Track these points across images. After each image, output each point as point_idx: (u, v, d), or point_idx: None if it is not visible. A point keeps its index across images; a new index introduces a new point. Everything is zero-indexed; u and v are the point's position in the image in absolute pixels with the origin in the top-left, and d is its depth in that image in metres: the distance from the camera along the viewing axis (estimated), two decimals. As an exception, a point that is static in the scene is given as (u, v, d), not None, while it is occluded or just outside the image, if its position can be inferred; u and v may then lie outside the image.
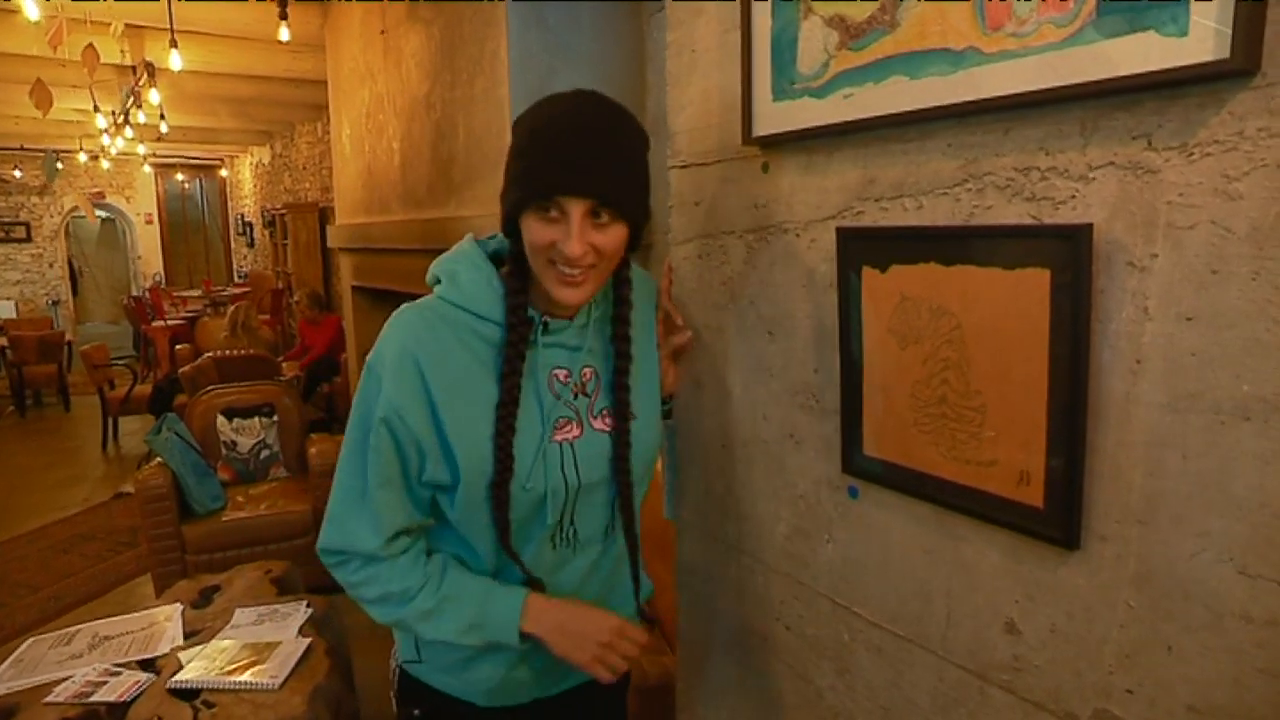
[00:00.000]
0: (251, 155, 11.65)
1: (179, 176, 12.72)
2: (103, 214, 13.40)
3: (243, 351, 5.10)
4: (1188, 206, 0.64)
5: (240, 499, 3.62)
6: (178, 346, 6.93)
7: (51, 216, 12.45)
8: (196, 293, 10.59)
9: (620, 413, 1.05)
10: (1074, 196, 0.71)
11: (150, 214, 13.34)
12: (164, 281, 12.88)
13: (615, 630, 1.02)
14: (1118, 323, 0.68)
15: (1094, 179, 0.69)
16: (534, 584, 1.05)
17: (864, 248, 0.89)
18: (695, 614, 1.32)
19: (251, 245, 12.29)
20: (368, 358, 1.00)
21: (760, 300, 1.09)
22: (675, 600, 2.10)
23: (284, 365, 5.58)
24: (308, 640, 2.32)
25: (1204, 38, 0.60)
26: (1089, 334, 0.70)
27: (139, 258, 13.59)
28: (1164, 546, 0.67)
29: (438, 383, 0.96)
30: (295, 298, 6.97)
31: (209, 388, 4.03)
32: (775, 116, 1.00)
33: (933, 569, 0.88)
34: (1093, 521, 0.72)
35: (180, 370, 4.92)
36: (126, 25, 4.88)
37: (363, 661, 2.71)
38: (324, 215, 8.53)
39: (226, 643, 2.34)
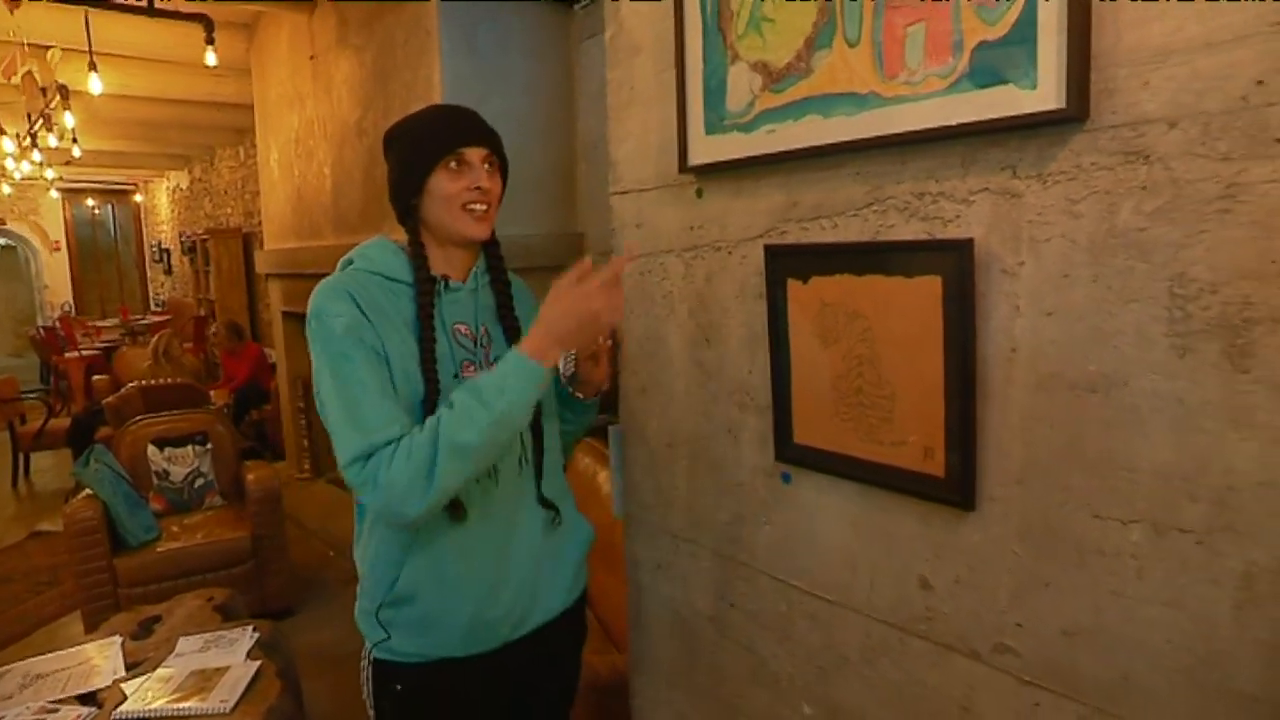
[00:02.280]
0: (168, 180, 11.31)
1: (89, 202, 12.22)
2: (1, 240, 12.77)
3: (169, 380, 4.98)
4: (1044, 224, 0.79)
5: (175, 529, 3.55)
6: (95, 377, 6.68)
7: (-55, 245, 11.80)
8: (112, 322, 10.18)
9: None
10: (959, 216, 0.86)
11: (58, 241, 12.76)
12: (74, 311, 12.32)
13: (579, 297, 1.06)
14: (995, 319, 0.83)
15: (974, 202, 0.84)
16: (456, 509, 1.15)
17: (789, 262, 1.03)
18: (646, 603, 1.43)
19: (169, 272, 11.90)
20: (312, 313, 1.15)
21: (698, 311, 1.22)
22: (622, 603, 2.19)
23: (212, 394, 5.46)
24: (257, 663, 2.32)
25: (1048, 91, 0.75)
26: (974, 329, 0.84)
27: (45, 286, 12.96)
28: (1038, 501, 0.82)
29: (372, 314, 1.14)
30: (213, 329, 6.81)
31: (137, 418, 3.94)
32: (708, 148, 1.13)
33: (857, 538, 1.02)
34: (984, 485, 0.86)
35: (105, 401, 4.77)
36: (35, 45, 4.77)
37: (309, 684, 2.72)
38: (248, 240, 8.37)
39: (171, 670, 2.32)
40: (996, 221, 0.83)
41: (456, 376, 1.18)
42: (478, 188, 1.17)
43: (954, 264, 0.84)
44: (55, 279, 13.00)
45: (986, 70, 0.80)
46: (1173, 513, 0.72)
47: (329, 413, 1.11)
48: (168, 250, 11.85)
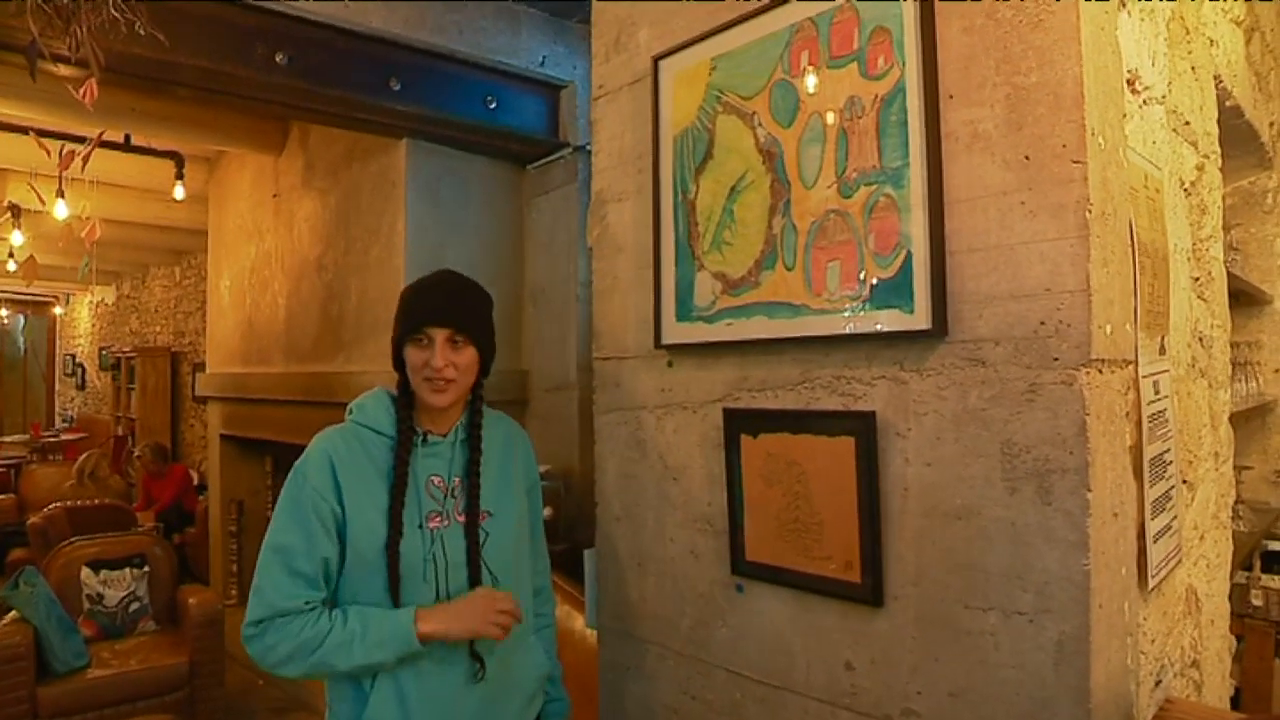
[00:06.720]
0: (92, 294, 11.17)
1: (2, 312, 11.88)
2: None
3: (97, 501, 4.91)
4: (923, 403, 1.16)
5: (106, 655, 3.50)
6: None
7: None
8: (18, 438, 9.73)
9: (471, 509, 1.39)
10: (865, 394, 1.22)
11: (-40, 352, 12.25)
12: (-35, 425, 11.68)
13: (488, 600, 1.34)
14: (893, 468, 1.18)
15: (875, 385, 1.21)
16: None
17: (742, 422, 1.37)
18: (615, 701, 1.66)
19: (82, 387, 11.53)
20: (296, 463, 1.35)
21: (667, 455, 1.54)
22: None
23: (139, 516, 5.37)
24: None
25: (921, 315, 1.14)
26: (878, 475, 1.19)
27: (-64, 399, 12.30)
28: (927, 598, 1.14)
29: (345, 476, 1.33)
30: (137, 451, 6.70)
31: (71, 539, 3.91)
32: (678, 332, 1.48)
33: (795, 633, 1.31)
34: (889, 587, 1.19)
35: (29, 521, 4.66)
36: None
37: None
38: (176, 360, 8.34)
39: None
40: (891, 399, 1.19)
41: (421, 527, 1.35)
42: (430, 364, 1.33)
43: (863, 428, 1.20)
44: (-50, 391, 12.37)
45: (881, 297, 1.19)
46: (1013, 601, 1.06)
47: (260, 556, 1.31)
48: (82, 365, 11.53)
